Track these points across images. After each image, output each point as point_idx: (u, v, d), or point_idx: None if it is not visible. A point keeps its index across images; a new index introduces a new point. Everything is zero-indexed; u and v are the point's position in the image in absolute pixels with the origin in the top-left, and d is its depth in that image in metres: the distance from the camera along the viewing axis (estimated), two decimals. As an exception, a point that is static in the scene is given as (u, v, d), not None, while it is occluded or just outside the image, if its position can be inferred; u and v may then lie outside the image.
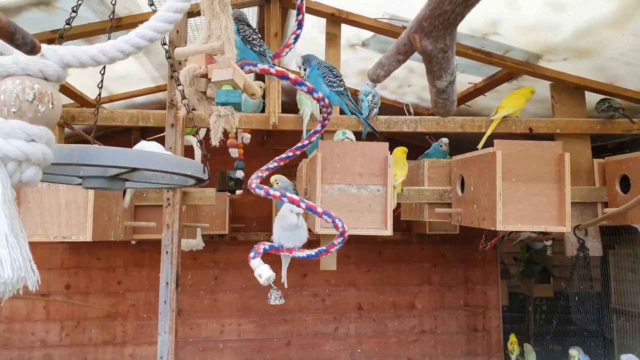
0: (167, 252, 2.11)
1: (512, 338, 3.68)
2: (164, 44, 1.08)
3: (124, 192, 2.36)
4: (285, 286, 1.70)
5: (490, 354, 4.19)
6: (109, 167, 0.92)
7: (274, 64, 1.40)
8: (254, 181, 1.60)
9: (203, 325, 3.98)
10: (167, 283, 2.08)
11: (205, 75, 1.14)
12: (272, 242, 1.70)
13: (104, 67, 1.58)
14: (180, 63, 1.17)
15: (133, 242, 3.78)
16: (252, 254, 1.56)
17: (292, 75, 1.31)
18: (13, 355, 3.75)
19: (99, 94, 1.66)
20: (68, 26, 1.13)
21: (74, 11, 1.14)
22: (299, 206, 1.55)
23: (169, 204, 2.15)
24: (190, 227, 2.75)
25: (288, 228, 1.66)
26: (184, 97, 1.13)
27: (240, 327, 4.01)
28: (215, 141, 1.16)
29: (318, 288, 4.10)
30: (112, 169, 0.96)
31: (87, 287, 3.88)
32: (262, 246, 1.61)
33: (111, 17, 1.44)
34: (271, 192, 1.56)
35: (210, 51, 1.14)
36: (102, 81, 1.65)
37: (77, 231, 1.95)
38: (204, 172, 1.00)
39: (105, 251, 3.91)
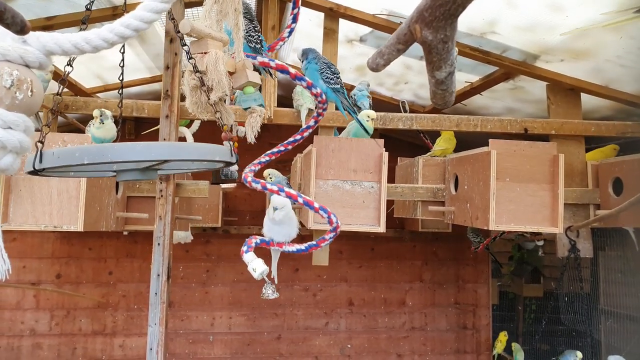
0: (159, 244, 2.09)
1: (502, 336, 3.67)
2: (178, 31, 1.08)
3: (117, 184, 2.35)
4: (276, 281, 1.70)
5: (479, 352, 4.22)
6: (144, 161, 0.93)
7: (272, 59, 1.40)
8: (249, 175, 1.59)
9: (194, 318, 3.98)
10: (159, 275, 2.07)
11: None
12: (263, 236, 1.70)
13: (123, 60, 1.58)
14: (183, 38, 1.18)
15: (125, 233, 3.76)
16: (244, 248, 1.56)
17: (292, 70, 1.30)
18: (2, 344, 3.73)
19: (121, 86, 1.64)
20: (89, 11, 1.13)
21: (87, 9, 1.14)
22: (296, 201, 1.55)
23: (161, 196, 2.13)
24: (182, 219, 2.73)
25: (277, 222, 1.66)
26: (203, 84, 1.15)
27: (230, 320, 4.01)
28: (251, 138, 1.35)
29: (309, 283, 4.11)
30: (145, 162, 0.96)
31: (78, 277, 3.86)
32: (254, 240, 1.61)
33: (124, 9, 1.42)
34: (268, 186, 1.55)
35: (219, 39, 1.17)
36: (122, 74, 1.63)
37: (68, 221, 1.93)
38: (232, 155, 1.02)
39: (97, 241, 3.89)
